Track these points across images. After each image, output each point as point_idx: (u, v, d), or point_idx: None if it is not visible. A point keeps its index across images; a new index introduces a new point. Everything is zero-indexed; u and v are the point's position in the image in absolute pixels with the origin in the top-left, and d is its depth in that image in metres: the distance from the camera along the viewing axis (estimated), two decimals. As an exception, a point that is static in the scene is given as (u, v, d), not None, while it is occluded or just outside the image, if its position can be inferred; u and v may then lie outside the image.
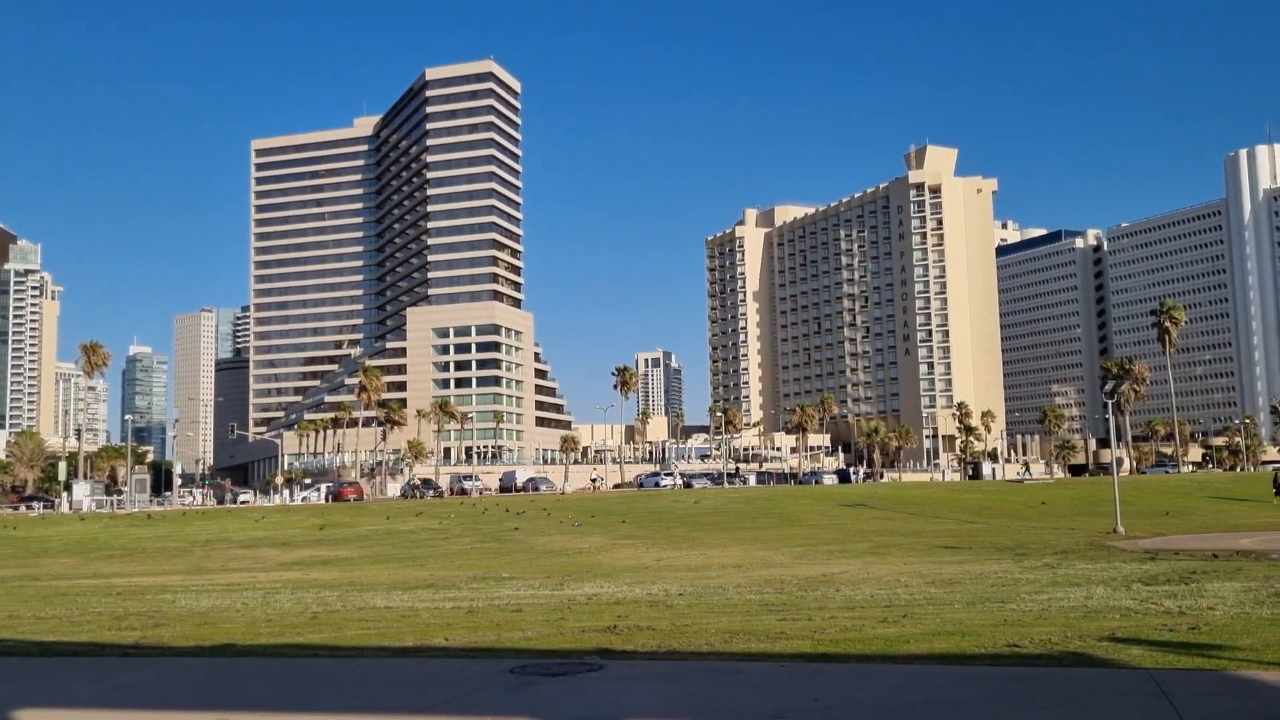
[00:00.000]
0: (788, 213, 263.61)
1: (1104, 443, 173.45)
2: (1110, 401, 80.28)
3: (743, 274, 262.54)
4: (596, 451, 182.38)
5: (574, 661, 11.61)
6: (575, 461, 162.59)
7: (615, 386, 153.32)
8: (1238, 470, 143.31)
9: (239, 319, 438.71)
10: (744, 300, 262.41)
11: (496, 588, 24.11)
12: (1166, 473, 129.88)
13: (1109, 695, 9.14)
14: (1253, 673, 9.74)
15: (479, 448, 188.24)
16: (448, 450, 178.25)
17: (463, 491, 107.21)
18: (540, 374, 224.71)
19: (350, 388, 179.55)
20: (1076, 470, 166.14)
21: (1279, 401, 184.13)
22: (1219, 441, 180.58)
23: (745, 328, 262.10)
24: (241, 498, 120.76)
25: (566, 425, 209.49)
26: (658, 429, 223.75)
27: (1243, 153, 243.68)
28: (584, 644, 13.26)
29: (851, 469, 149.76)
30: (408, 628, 15.94)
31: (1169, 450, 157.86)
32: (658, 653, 12.38)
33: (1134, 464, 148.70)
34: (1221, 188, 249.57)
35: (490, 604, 19.74)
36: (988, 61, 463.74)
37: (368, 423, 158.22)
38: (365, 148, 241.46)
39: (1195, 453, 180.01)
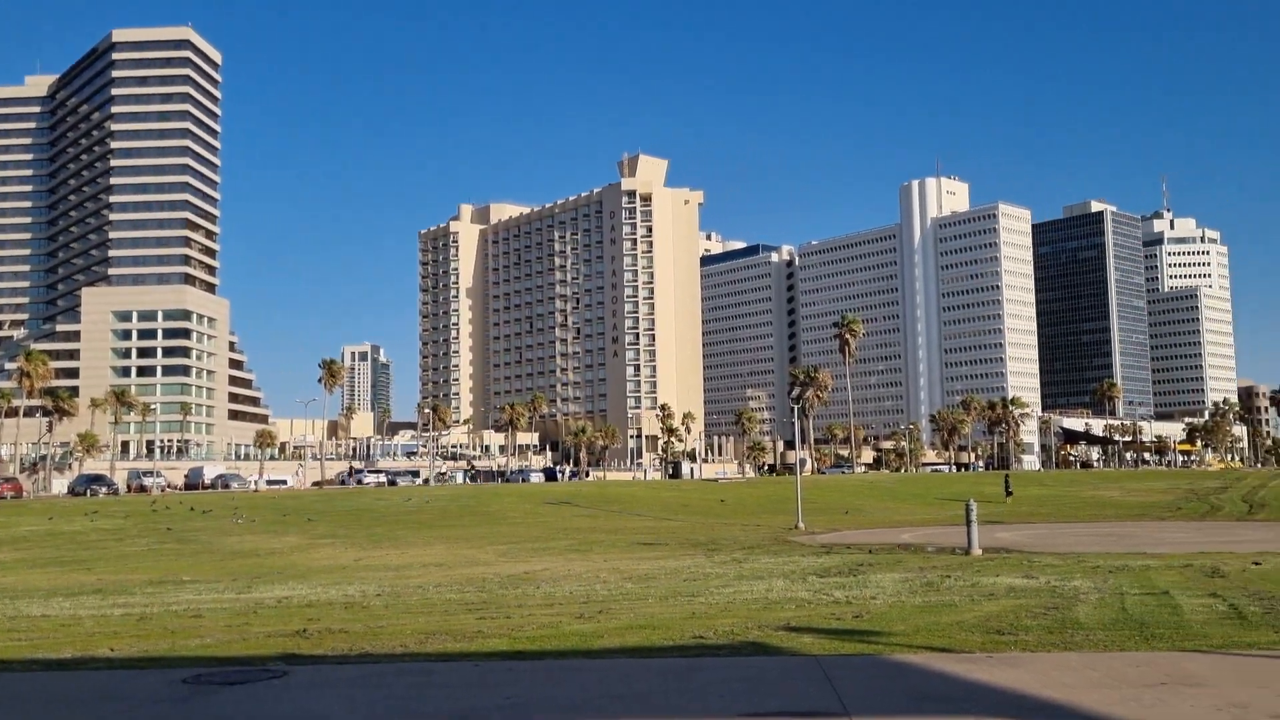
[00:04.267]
0: (503, 211, 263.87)
1: (790, 444, 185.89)
2: (796, 406, 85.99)
3: (456, 270, 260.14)
4: (296, 447, 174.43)
5: (256, 669, 11.00)
6: (272, 457, 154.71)
7: (320, 380, 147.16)
8: (902, 471, 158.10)
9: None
10: (457, 296, 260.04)
11: (175, 592, 22.45)
12: (843, 473, 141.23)
13: (780, 681, 9.77)
14: (904, 655, 10.72)
15: (163, 441, 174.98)
16: (126, 444, 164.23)
17: (142, 489, 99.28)
18: (235, 364, 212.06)
19: (9, 373, 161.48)
20: (766, 470, 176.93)
21: (938, 411, 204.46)
22: (888, 445, 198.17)
23: (457, 324, 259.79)
24: None
25: (264, 419, 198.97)
26: (363, 425, 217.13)
27: (915, 183, 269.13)
28: (269, 650, 12.61)
29: (558, 467, 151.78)
30: (67, 638, 14.51)
31: (846, 452, 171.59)
32: (349, 656, 11.97)
33: (815, 465, 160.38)
34: (897, 214, 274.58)
35: (166, 610, 18.35)
36: (699, 78, 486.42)
37: (31, 412, 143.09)
38: (38, 109, 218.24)
39: (868, 455, 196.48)
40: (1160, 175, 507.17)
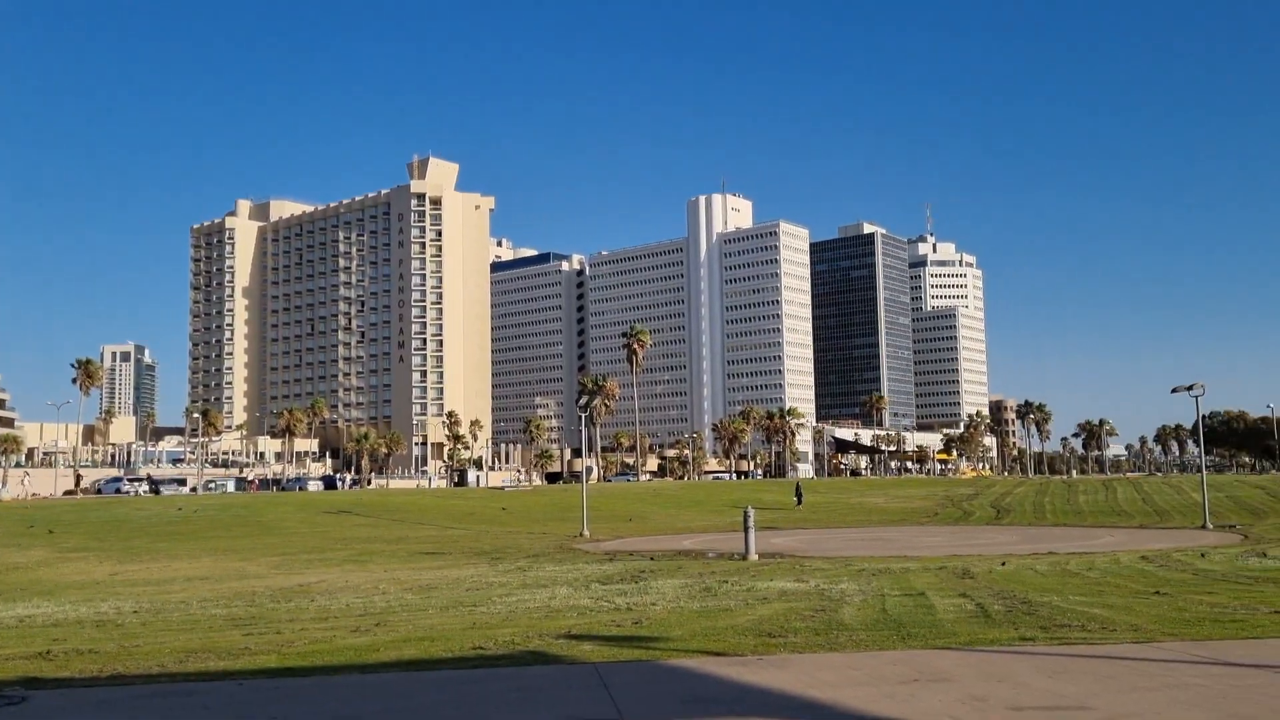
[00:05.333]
0: (285, 208, 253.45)
1: (578, 452, 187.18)
2: (584, 415, 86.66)
3: (232, 268, 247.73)
4: (46, 453, 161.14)
5: (-11, 697, 10.04)
6: (18, 464, 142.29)
7: (74, 381, 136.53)
8: (686, 479, 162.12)
9: None
10: (232, 296, 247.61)
11: (-104, 615, 20.25)
12: (629, 481, 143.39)
13: (557, 689, 9.79)
14: (680, 660, 10.97)
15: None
16: None
17: None
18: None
19: None
20: (553, 478, 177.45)
21: (720, 420, 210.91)
22: (672, 453, 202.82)
23: (232, 325, 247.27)
24: None
25: (9, 423, 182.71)
26: (124, 429, 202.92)
27: (702, 199, 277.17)
28: (6, 674, 11.56)
29: (339, 475, 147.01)
30: None
31: (632, 460, 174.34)
32: (99, 678, 11.13)
33: (602, 473, 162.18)
34: (685, 228, 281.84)
35: (-116, 635, 16.51)
36: (492, 83, 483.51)
37: None
38: None
39: (653, 463, 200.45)
40: (925, 201, 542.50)
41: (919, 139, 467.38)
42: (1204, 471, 60.28)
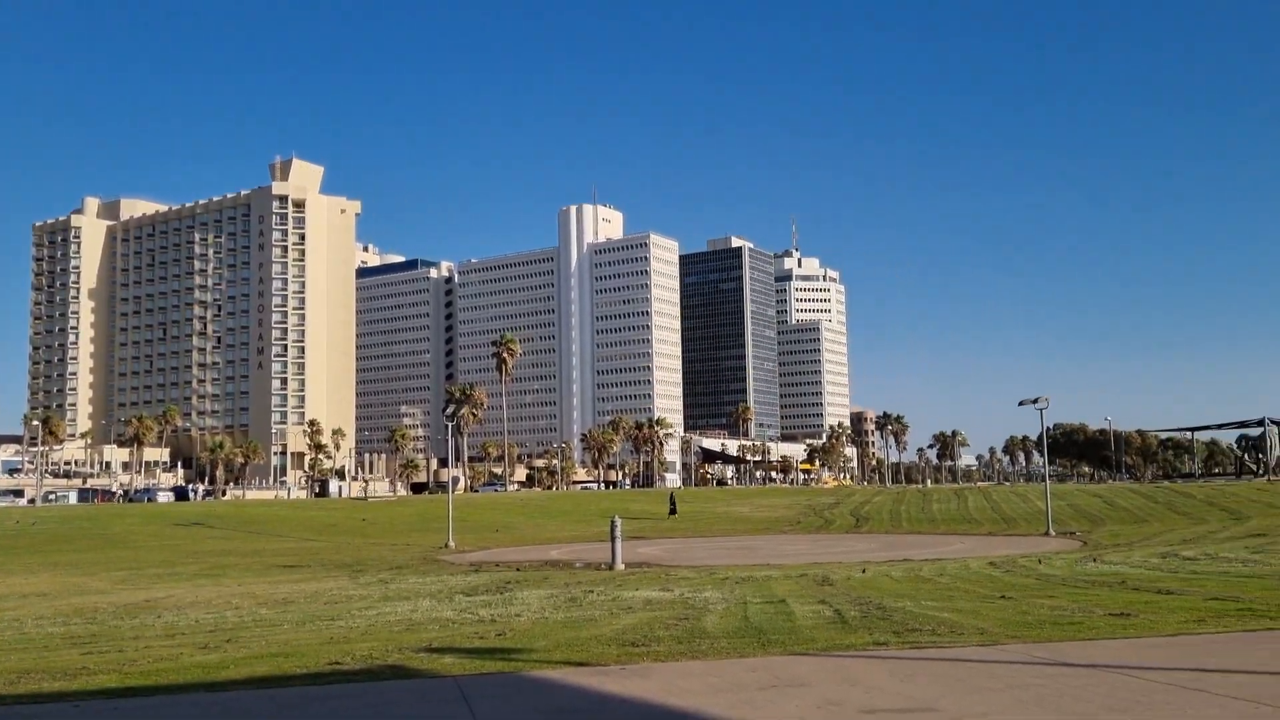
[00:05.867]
0: (136, 207, 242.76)
1: (444, 462, 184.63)
2: (451, 424, 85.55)
3: (78, 268, 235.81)
4: None
5: None
6: None
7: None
8: (554, 489, 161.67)
9: None
10: (77, 297, 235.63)
11: None
12: (496, 491, 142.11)
13: (415, 704, 9.60)
14: (543, 672, 10.89)
15: None
16: None
17: None
18: None
19: None
20: (418, 488, 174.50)
21: (589, 430, 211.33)
22: (541, 463, 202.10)
23: (77, 328, 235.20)
24: None
25: None
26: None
27: (573, 209, 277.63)
28: None
29: (191, 486, 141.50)
30: None
31: (500, 470, 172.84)
32: (-86, 706, 10.37)
33: (469, 482, 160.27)
34: (556, 237, 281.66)
35: None
36: (359, 84, 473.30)
37: None
38: None
39: (522, 473, 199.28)
40: (791, 216, 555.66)
41: (787, 155, 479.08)
42: (1048, 481, 63.36)
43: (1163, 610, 14.84)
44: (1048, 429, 59.85)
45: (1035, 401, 52.24)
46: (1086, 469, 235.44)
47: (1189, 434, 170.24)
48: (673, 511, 77.07)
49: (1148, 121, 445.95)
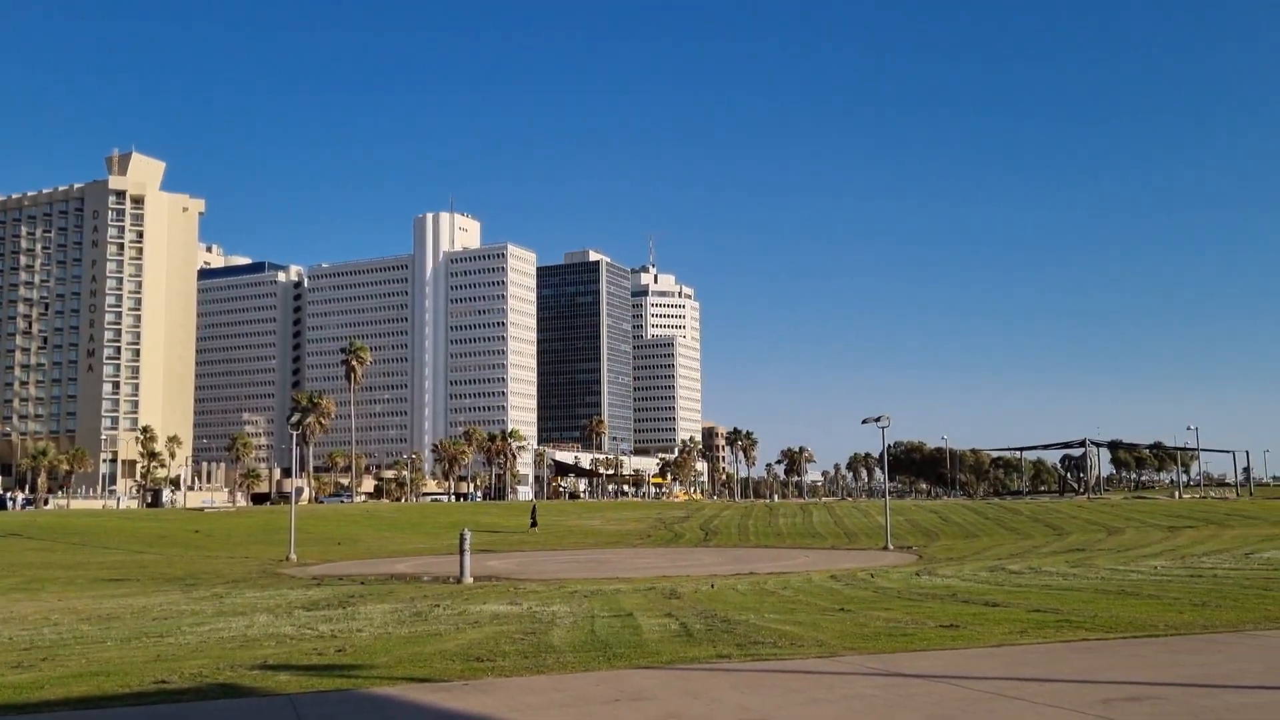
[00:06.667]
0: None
1: (288, 472, 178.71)
2: (296, 433, 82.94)
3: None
4: None
5: None
6: None
7: None
8: (403, 501, 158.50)
9: None
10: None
11: None
12: (343, 502, 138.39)
13: (248, 724, 9.26)
14: (382, 688, 10.65)
15: None
16: None
17: None
18: None
19: None
20: (260, 499, 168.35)
21: (440, 441, 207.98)
22: (390, 474, 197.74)
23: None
24: None
25: None
26: None
27: (429, 216, 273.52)
28: None
29: (10, 495, 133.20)
30: None
31: (347, 481, 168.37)
32: None
33: (314, 493, 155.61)
34: (411, 244, 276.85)
35: None
36: (206, 79, 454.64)
37: None
38: None
39: (369, 484, 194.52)
40: (649, 233, 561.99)
41: (647, 172, 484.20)
42: (887, 497, 65.77)
43: (989, 622, 15.57)
44: (889, 447, 62.19)
45: (878, 420, 54.20)
46: (924, 485, 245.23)
47: (1018, 453, 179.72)
48: (534, 524, 76.93)
49: (985, 147, 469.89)
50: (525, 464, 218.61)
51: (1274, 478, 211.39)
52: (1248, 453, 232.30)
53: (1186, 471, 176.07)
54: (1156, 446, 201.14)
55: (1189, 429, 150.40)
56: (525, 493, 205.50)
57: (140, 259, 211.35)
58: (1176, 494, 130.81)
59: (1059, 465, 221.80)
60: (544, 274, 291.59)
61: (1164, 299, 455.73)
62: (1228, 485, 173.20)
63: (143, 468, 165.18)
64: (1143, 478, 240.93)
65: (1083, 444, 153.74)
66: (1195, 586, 20.98)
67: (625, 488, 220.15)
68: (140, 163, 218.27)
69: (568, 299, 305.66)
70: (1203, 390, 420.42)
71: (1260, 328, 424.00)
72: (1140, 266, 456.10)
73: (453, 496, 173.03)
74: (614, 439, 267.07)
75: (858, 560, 41.81)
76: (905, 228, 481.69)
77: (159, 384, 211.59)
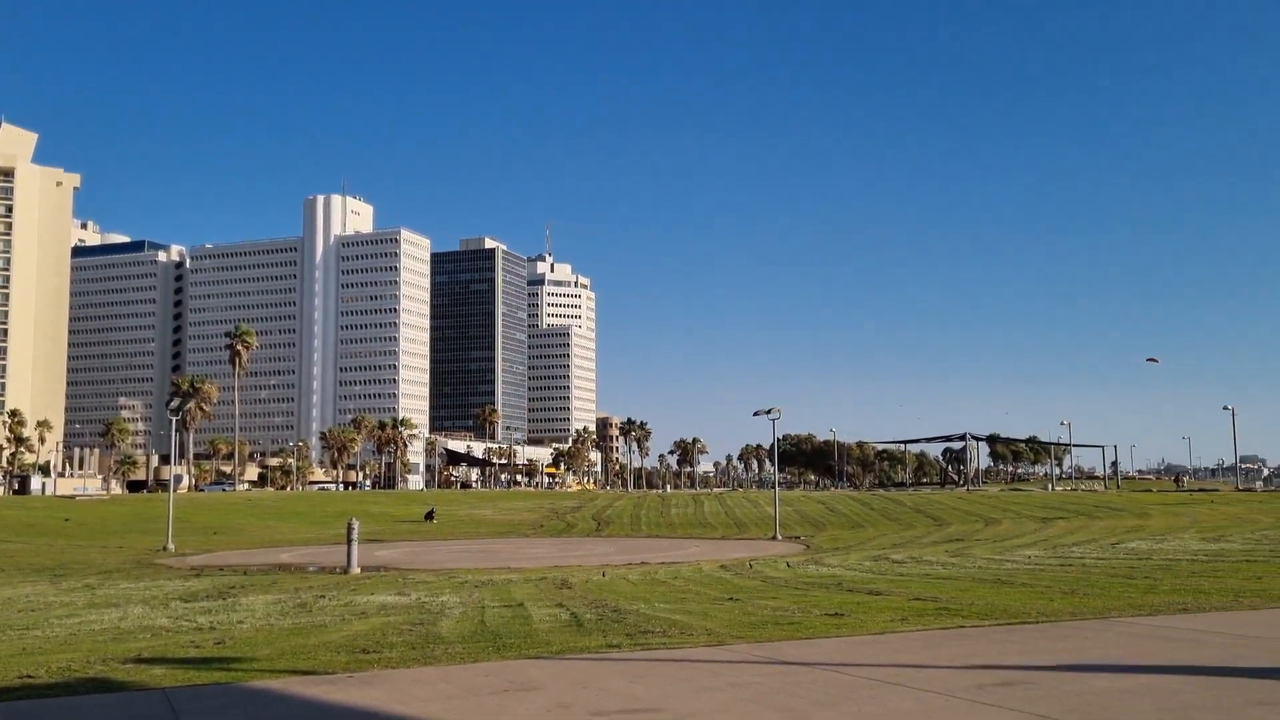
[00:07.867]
0: None
1: (167, 459, 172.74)
2: (175, 418, 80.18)
3: None
4: None
5: None
6: None
7: None
8: (289, 489, 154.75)
9: None
10: None
11: None
12: (224, 490, 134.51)
13: (118, 719, 8.92)
14: (263, 681, 10.37)
15: None
16: None
17: None
18: None
19: None
20: (136, 486, 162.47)
21: (329, 429, 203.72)
22: (275, 462, 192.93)
23: None
24: None
25: None
26: None
27: (320, 198, 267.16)
28: None
29: None
30: None
31: (230, 468, 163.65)
32: None
33: (194, 481, 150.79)
34: (300, 227, 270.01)
35: None
36: (85, 48, 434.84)
37: None
38: None
39: (253, 472, 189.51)
40: (546, 221, 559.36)
41: (544, 160, 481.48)
42: (776, 488, 66.95)
43: (872, 610, 15.95)
44: (779, 439, 63.30)
45: (769, 412, 55.02)
46: (813, 477, 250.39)
47: (902, 446, 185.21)
48: (430, 518, 75.67)
49: (880, 134, 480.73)
50: (416, 453, 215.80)
51: (1139, 471, 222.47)
52: (1115, 447, 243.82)
53: (1060, 465, 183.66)
54: (1032, 441, 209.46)
55: (1063, 424, 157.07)
56: (416, 482, 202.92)
57: (9, 234, 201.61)
58: (1050, 486, 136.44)
59: (941, 458, 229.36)
60: (439, 260, 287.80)
61: (1044, 303, 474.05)
62: (1097, 478, 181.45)
63: (9, 453, 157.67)
64: (1019, 470, 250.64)
65: (963, 438, 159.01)
66: (1065, 575, 21.85)
67: (518, 478, 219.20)
68: (10, 133, 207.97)
69: (462, 286, 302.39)
70: (1075, 388, 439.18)
71: (1128, 331, 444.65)
72: (1022, 275, 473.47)
73: (341, 485, 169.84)
74: (508, 428, 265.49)
75: (748, 550, 42.41)
76: (798, 220, 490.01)
77: (28, 365, 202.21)
